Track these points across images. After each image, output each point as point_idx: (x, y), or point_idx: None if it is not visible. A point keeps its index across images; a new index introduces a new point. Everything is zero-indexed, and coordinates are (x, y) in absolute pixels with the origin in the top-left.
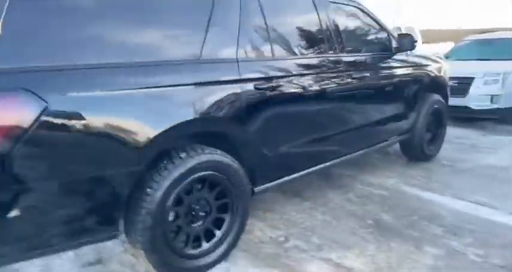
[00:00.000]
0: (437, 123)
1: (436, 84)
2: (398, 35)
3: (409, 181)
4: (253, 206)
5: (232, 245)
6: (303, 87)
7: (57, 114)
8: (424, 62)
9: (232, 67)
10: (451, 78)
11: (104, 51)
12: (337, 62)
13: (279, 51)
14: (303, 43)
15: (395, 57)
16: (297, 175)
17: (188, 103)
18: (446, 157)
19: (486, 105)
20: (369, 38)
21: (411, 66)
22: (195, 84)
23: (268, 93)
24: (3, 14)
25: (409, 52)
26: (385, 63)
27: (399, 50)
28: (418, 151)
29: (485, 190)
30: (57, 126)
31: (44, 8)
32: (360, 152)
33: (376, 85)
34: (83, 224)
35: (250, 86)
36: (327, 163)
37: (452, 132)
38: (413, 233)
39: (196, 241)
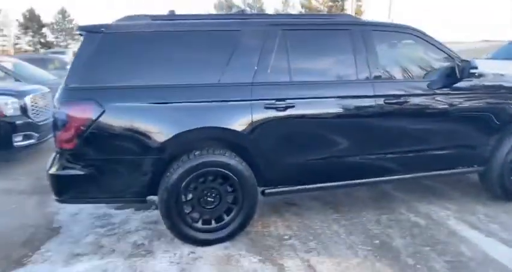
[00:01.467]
0: None
1: None
2: (462, 60)
3: (464, 216)
4: (287, 208)
5: (237, 231)
6: (317, 108)
7: (112, 115)
8: (508, 88)
9: (245, 90)
10: None
11: (148, 77)
12: (368, 88)
13: (298, 76)
14: (328, 70)
15: (461, 83)
16: (309, 187)
17: (207, 115)
18: None
19: None
20: (419, 63)
21: (484, 93)
22: (211, 101)
23: (277, 112)
24: (86, 64)
25: (498, 77)
26: (443, 89)
27: (462, 76)
28: (498, 187)
29: None
30: (112, 123)
31: (112, 60)
32: (402, 176)
33: (427, 111)
34: (125, 190)
35: (260, 105)
36: (348, 182)
37: None
38: (409, 261)
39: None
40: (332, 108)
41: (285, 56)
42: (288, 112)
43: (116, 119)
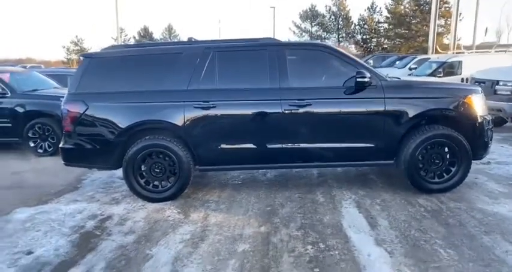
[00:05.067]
0: (451, 158)
1: (442, 117)
2: (357, 71)
3: (362, 199)
4: (233, 185)
5: (177, 193)
6: (234, 108)
7: (92, 110)
8: (415, 94)
9: (181, 94)
10: None
11: (119, 86)
12: (276, 92)
13: (222, 85)
14: (246, 80)
15: (364, 90)
16: (229, 167)
17: (153, 111)
18: (457, 197)
19: None
20: (328, 74)
21: (387, 98)
22: (158, 102)
23: (203, 110)
24: (80, 77)
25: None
26: (347, 95)
27: (357, 84)
28: (407, 178)
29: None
30: (92, 115)
31: (95, 75)
32: (313, 164)
33: (332, 114)
34: (103, 160)
35: (190, 105)
36: (260, 165)
37: None
38: (276, 220)
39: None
40: (246, 108)
41: (214, 70)
42: (211, 111)
43: (95, 113)
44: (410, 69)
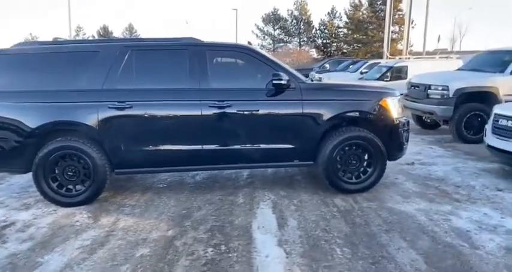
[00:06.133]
0: (368, 159)
1: (358, 119)
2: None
3: (280, 200)
4: (157, 189)
5: (92, 197)
6: (152, 109)
7: None
8: (332, 97)
9: (95, 94)
10: None
11: (28, 84)
12: (196, 93)
13: (140, 85)
14: (165, 80)
15: (285, 92)
16: (149, 170)
17: (65, 112)
18: (373, 196)
19: None
20: (244, 74)
21: (303, 100)
22: (70, 101)
23: (118, 111)
24: None
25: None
26: (267, 97)
27: (275, 86)
28: (324, 178)
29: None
30: None
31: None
32: (230, 166)
33: (252, 115)
34: (14, 163)
35: (105, 105)
36: (180, 167)
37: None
38: (186, 223)
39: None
40: (164, 109)
41: (131, 70)
42: (127, 111)
43: (1, 112)
44: (361, 73)
